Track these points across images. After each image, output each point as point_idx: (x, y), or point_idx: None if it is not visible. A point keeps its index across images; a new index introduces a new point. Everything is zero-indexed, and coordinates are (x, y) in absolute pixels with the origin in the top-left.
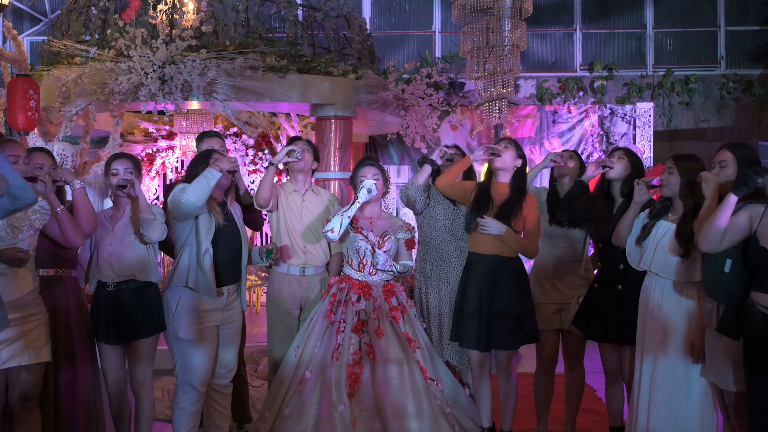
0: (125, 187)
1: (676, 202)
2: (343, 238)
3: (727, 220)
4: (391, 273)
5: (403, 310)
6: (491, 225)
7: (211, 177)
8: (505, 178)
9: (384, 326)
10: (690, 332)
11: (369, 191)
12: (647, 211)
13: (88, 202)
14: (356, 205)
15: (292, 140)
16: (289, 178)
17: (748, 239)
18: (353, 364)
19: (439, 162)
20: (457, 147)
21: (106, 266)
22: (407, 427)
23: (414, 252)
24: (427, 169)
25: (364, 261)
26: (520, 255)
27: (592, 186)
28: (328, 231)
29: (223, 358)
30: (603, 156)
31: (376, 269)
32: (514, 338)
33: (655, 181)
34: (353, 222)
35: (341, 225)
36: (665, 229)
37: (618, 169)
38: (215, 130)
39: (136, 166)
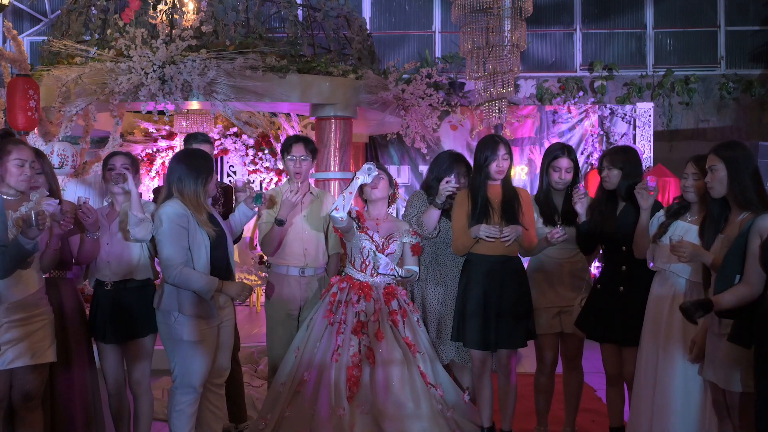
0: (118, 181)
1: (694, 203)
2: (349, 237)
3: (739, 294)
4: (393, 277)
5: (403, 314)
6: (511, 234)
7: (208, 294)
8: (497, 180)
9: (384, 329)
10: (693, 330)
11: (369, 170)
12: (663, 210)
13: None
14: (356, 182)
15: (289, 143)
16: (288, 178)
17: (764, 246)
18: (353, 366)
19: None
20: (458, 162)
21: (104, 265)
22: (407, 430)
23: (417, 257)
24: (436, 214)
25: (367, 262)
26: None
27: (591, 186)
28: (332, 210)
29: (219, 357)
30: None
31: (377, 272)
32: (519, 337)
33: (650, 183)
34: (360, 221)
35: (345, 200)
36: (684, 230)
37: (612, 180)
38: (203, 133)
39: (133, 163)
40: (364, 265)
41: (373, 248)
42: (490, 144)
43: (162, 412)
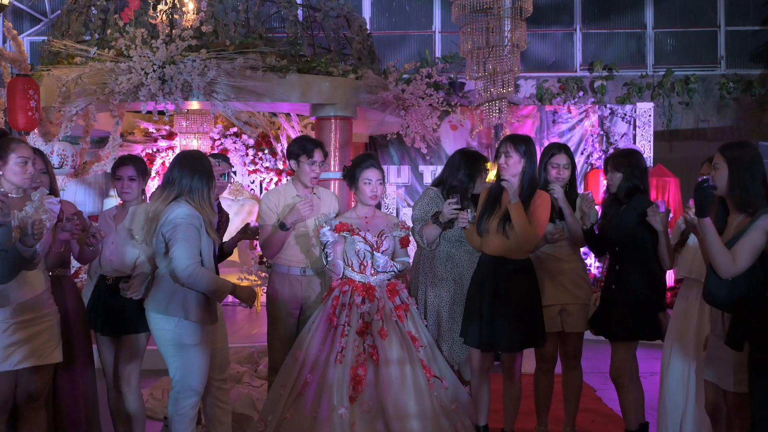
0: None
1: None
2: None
3: (720, 244)
4: (392, 273)
5: (406, 309)
6: (510, 184)
7: (222, 296)
8: (513, 180)
9: (387, 327)
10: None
11: (324, 234)
12: (682, 217)
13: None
14: (329, 253)
15: (309, 147)
16: (290, 179)
17: None
18: (357, 366)
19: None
20: (471, 160)
21: (107, 263)
22: (409, 427)
23: (410, 249)
24: (436, 232)
25: (365, 262)
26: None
27: (591, 186)
28: (332, 275)
29: (216, 355)
30: (603, 156)
31: (377, 271)
32: (516, 340)
33: (661, 209)
34: (343, 228)
35: (337, 268)
36: None
37: (615, 183)
38: (224, 155)
39: (141, 170)
40: (362, 266)
41: (368, 248)
42: (501, 142)
43: (162, 411)
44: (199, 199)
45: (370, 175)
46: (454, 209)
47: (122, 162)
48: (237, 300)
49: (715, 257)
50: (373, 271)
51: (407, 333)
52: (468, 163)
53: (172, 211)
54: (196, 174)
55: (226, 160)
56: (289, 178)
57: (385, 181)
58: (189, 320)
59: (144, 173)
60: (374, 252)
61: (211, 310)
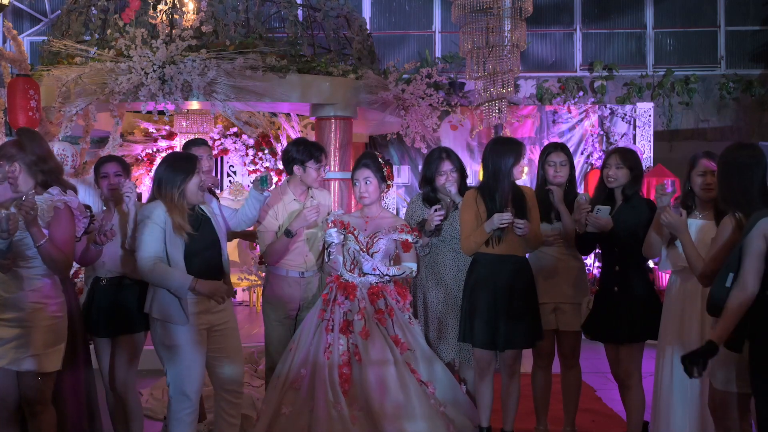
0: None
1: (700, 199)
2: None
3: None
4: (378, 276)
5: (390, 313)
6: (525, 225)
7: (180, 290)
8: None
9: (370, 327)
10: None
11: (330, 235)
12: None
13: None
14: (332, 252)
15: (311, 151)
16: (287, 179)
17: None
18: (343, 364)
19: (435, 224)
20: (444, 159)
21: (100, 264)
22: (402, 428)
23: (413, 254)
24: (425, 239)
25: (355, 262)
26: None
27: (591, 186)
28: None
29: (224, 365)
30: (603, 156)
31: (363, 272)
32: (528, 337)
33: (668, 188)
34: (337, 225)
35: (336, 265)
36: (698, 227)
37: (620, 179)
38: (201, 138)
39: (125, 168)
40: (352, 266)
41: (357, 248)
42: (516, 148)
43: (162, 411)
44: (165, 196)
45: (357, 174)
46: (439, 217)
47: (106, 160)
48: (234, 300)
49: (740, 308)
50: (360, 272)
51: (391, 337)
52: (422, 168)
53: (141, 210)
54: (166, 171)
55: (204, 143)
56: (285, 179)
57: (384, 176)
58: (163, 320)
59: (127, 171)
60: (361, 252)
61: (174, 309)
